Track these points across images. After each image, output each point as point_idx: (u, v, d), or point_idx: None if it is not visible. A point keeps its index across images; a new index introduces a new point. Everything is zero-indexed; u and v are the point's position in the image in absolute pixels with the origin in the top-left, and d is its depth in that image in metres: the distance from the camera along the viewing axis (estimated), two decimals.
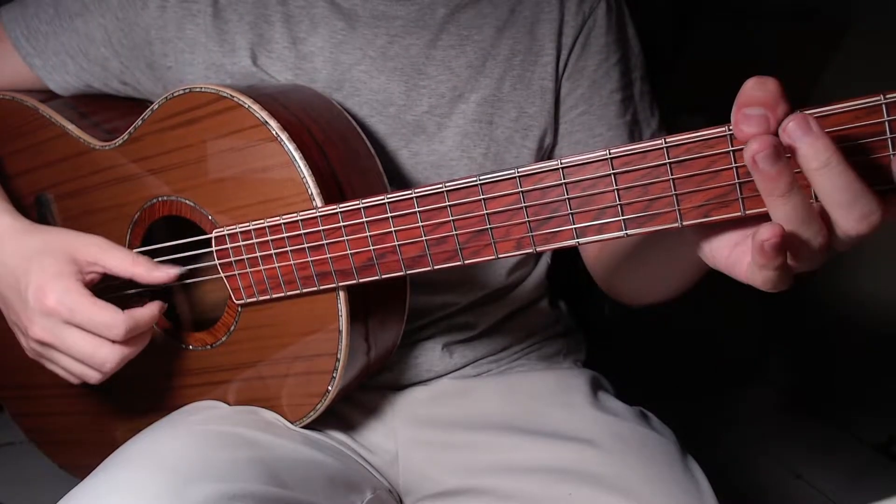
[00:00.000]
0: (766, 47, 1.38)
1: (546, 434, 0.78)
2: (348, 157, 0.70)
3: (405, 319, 0.76)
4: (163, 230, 0.76)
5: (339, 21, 0.79)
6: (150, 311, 0.70)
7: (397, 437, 0.82)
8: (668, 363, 1.35)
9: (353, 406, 0.83)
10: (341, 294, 0.65)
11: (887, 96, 0.41)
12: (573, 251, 0.83)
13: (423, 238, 0.58)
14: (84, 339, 0.68)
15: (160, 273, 0.71)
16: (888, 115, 0.41)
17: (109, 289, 0.76)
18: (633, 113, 0.85)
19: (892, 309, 1.30)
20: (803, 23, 1.36)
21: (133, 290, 0.78)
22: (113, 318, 0.67)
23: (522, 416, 0.81)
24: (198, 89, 0.69)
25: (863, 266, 1.32)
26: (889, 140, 0.42)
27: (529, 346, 0.91)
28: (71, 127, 0.80)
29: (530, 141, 0.82)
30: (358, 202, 0.61)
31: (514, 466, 0.75)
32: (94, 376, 0.70)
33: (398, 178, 0.79)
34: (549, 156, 0.85)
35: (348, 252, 0.62)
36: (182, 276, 0.73)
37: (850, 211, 0.43)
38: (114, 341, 0.68)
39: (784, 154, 0.42)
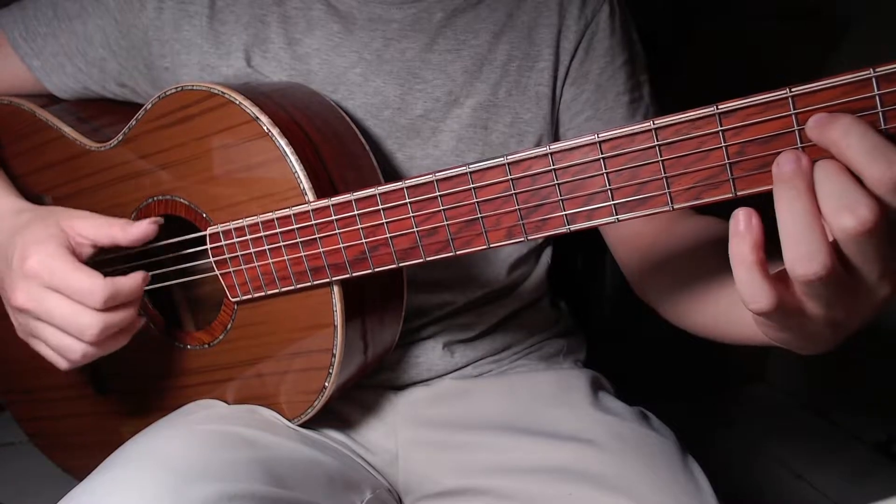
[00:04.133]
0: (766, 47, 1.38)
1: (546, 434, 0.77)
2: (342, 153, 0.70)
3: (403, 317, 0.75)
4: (162, 229, 0.76)
5: (336, 23, 0.79)
6: (132, 279, 0.67)
7: (397, 436, 0.82)
8: (668, 363, 1.34)
9: (354, 405, 0.83)
10: (335, 289, 0.65)
11: (877, 70, 0.41)
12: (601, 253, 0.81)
13: (415, 229, 0.58)
14: (63, 304, 0.65)
15: (135, 229, 0.69)
16: (879, 89, 0.41)
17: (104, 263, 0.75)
18: (643, 115, 0.84)
19: (893, 309, 1.28)
20: (803, 23, 1.35)
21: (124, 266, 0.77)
22: (92, 283, 0.64)
23: (523, 416, 0.80)
24: (189, 87, 0.69)
25: None
26: (881, 114, 0.41)
27: (530, 346, 0.90)
28: (67, 130, 0.80)
29: (525, 146, 0.82)
30: (349, 195, 0.60)
31: (514, 466, 0.75)
32: (77, 349, 0.66)
33: (393, 182, 0.79)
34: None
35: (341, 246, 0.62)
36: (159, 231, 0.70)
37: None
38: (96, 309, 0.65)
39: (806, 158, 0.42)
